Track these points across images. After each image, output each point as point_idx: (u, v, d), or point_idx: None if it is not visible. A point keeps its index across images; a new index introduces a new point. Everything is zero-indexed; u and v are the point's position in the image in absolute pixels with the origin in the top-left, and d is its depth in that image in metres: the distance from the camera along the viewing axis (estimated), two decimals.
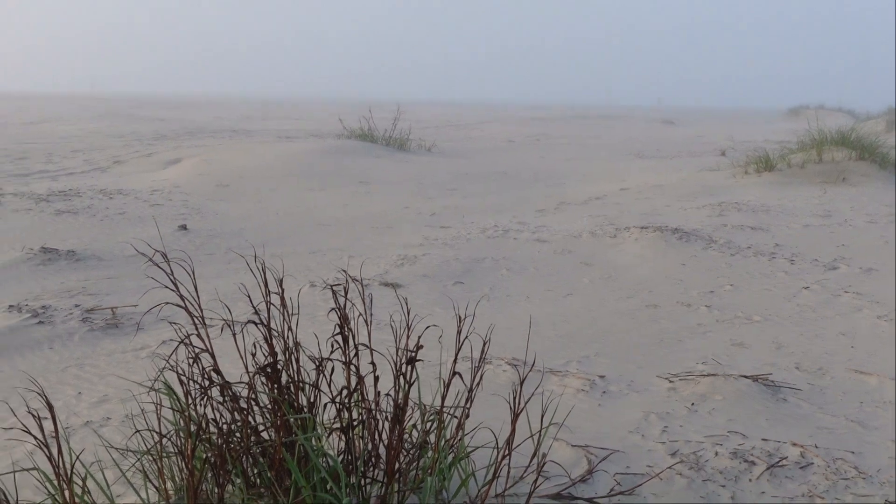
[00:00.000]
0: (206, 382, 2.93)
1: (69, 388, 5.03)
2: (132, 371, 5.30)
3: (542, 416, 2.84)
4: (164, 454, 3.13)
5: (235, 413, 2.92)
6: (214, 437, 3.00)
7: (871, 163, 16.17)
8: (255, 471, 3.07)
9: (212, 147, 22.17)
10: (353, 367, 3.15)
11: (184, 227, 10.90)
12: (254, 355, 3.07)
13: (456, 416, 3.29)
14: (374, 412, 3.13)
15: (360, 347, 3.21)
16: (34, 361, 5.57)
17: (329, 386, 3.09)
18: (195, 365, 2.98)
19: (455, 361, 3.19)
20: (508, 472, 3.02)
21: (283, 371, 3.01)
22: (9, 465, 3.90)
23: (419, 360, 2.97)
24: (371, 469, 3.14)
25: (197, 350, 3.00)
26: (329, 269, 8.25)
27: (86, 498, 2.92)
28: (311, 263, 8.74)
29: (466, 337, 3.16)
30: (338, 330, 3.16)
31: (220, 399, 2.94)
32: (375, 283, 7.47)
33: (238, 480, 3.02)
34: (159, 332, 6.17)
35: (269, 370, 2.95)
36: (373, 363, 3.16)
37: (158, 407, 2.86)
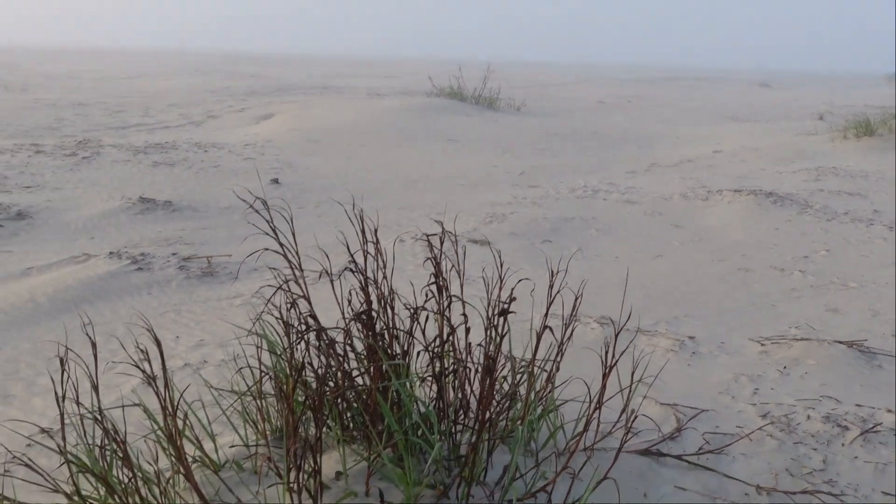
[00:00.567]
0: (303, 327, 3.00)
1: (167, 332, 5.19)
2: (227, 318, 5.44)
3: (633, 373, 2.84)
4: (262, 396, 3.23)
5: (331, 359, 2.99)
6: (311, 382, 3.08)
7: None
8: (349, 415, 3.15)
9: (303, 103, 22.39)
10: (445, 318, 3.19)
11: (276, 181, 11.07)
12: (349, 302, 3.13)
13: (546, 370, 3.31)
14: (465, 362, 3.17)
15: (453, 299, 3.25)
16: (134, 306, 5.75)
17: (423, 334, 3.14)
18: (292, 310, 3.05)
19: (546, 315, 3.21)
20: (598, 426, 3.04)
21: (378, 319, 3.07)
22: (115, 402, 4.07)
23: (511, 311, 2.99)
24: (462, 417, 3.19)
25: (294, 296, 3.07)
26: (417, 225, 8.31)
27: (187, 433, 3.03)
28: (400, 219, 8.81)
29: (558, 292, 3.17)
30: (430, 281, 3.20)
31: (317, 344, 3.01)
32: (464, 239, 7.51)
33: (333, 424, 3.10)
34: (253, 281, 6.31)
35: (364, 317, 3.01)
36: (464, 315, 3.19)
37: (259, 349, 2.94)
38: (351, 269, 3.03)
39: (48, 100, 21.94)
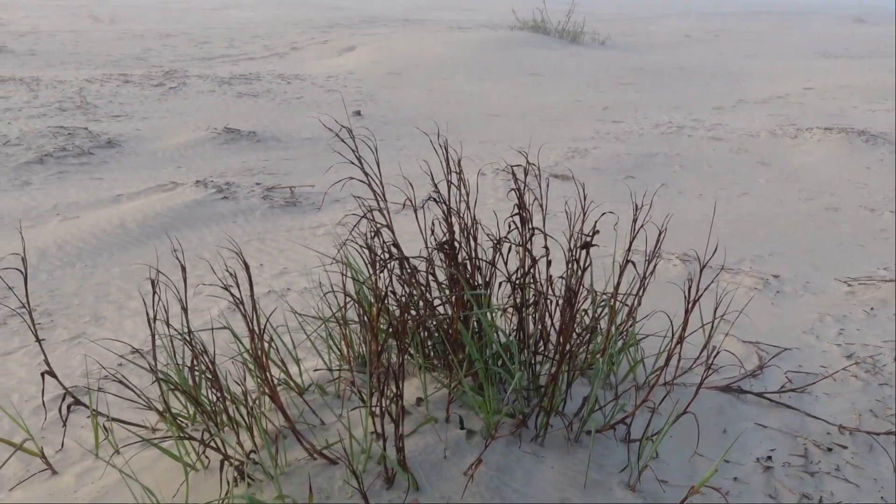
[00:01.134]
0: (386, 256, 3.03)
1: (252, 259, 5.28)
2: (310, 247, 5.51)
3: (715, 310, 2.82)
4: (346, 322, 3.28)
5: (413, 287, 3.02)
6: (393, 310, 3.12)
7: None
8: (430, 344, 3.19)
9: (385, 36, 22.31)
10: (527, 250, 3.19)
11: (358, 114, 11.10)
12: (432, 232, 3.15)
13: (627, 304, 3.30)
14: (546, 294, 3.18)
15: (535, 231, 3.24)
16: (219, 234, 5.86)
17: (505, 265, 3.15)
18: (375, 239, 3.08)
19: (629, 249, 3.19)
20: (679, 361, 3.03)
21: (461, 249, 3.08)
22: (202, 325, 4.18)
23: (594, 244, 2.98)
24: (542, 348, 3.20)
25: (378, 225, 3.10)
26: (499, 159, 8.27)
27: (272, 356, 3.10)
28: (481, 153, 8.78)
29: (642, 226, 3.15)
30: (513, 212, 3.20)
31: (399, 274, 3.04)
32: (546, 174, 7.46)
33: (415, 352, 3.15)
34: (335, 212, 6.38)
35: (447, 247, 3.03)
36: (546, 247, 3.19)
37: (343, 277, 2.98)
38: (434, 199, 3.04)
39: (136, 31, 22.22)
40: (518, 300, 3.09)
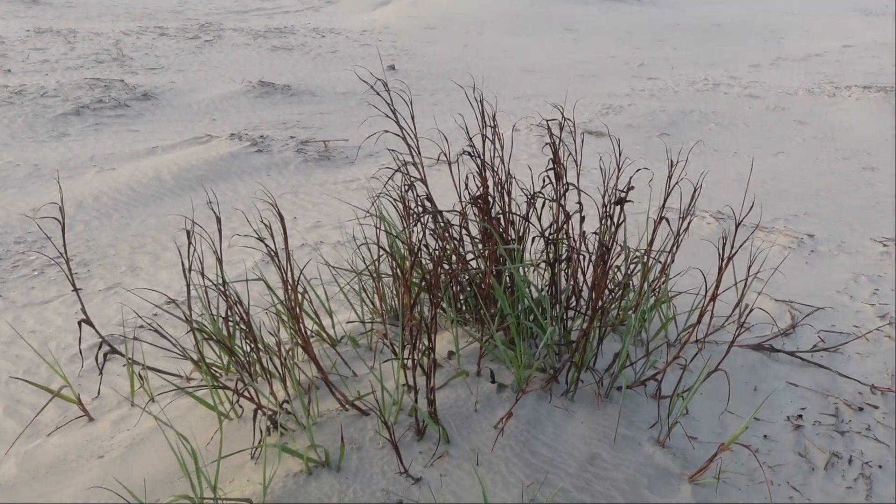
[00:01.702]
0: (420, 210, 3.03)
1: (285, 212, 5.31)
2: (343, 201, 5.53)
3: (748, 269, 2.80)
4: (379, 275, 3.30)
5: (446, 241, 3.03)
6: (426, 263, 3.13)
7: None
8: (463, 298, 3.20)
9: None
10: (560, 206, 3.18)
11: (392, 68, 11.07)
12: (466, 186, 3.15)
13: (660, 261, 3.29)
14: (579, 250, 3.17)
15: (569, 187, 3.23)
16: (253, 187, 5.89)
17: (539, 220, 3.15)
18: (409, 193, 3.08)
19: (663, 206, 3.17)
20: (711, 318, 3.02)
21: (494, 203, 3.08)
22: (237, 277, 4.22)
23: (629, 200, 2.97)
24: (574, 304, 3.21)
25: (412, 178, 3.10)
26: (533, 115, 8.23)
27: (306, 307, 3.12)
28: (515, 108, 8.74)
29: (676, 183, 3.13)
30: (547, 167, 3.18)
31: (433, 227, 3.04)
32: (580, 130, 7.42)
33: (447, 306, 3.16)
34: (368, 167, 6.38)
35: (480, 201, 3.02)
36: (579, 203, 3.18)
37: (378, 230, 2.99)
38: (469, 153, 3.03)
39: None
40: (551, 255, 3.09)
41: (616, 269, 3.36)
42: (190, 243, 2.67)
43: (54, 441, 2.88)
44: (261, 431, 2.58)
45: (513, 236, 3.12)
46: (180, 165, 6.13)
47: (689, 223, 3.18)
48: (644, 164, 6.24)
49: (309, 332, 3.15)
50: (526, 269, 3.15)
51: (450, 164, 3.00)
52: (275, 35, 13.11)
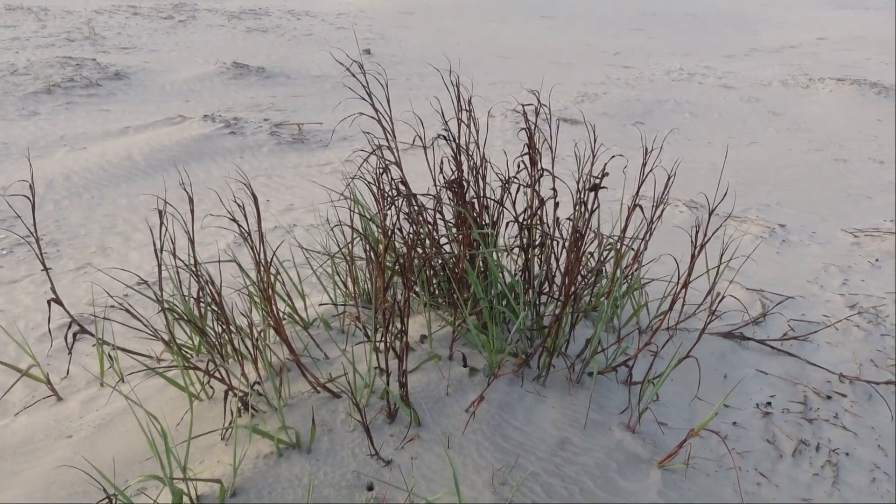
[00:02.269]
0: (394, 193, 3.02)
1: (259, 195, 5.28)
2: (316, 184, 5.51)
3: (721, 256, 2.81)
4: (352, 259, 3.29)
5: (420, 225, 3.02)
6: (400, 247, 3.12)
7: None
8: (436, 282, 3.19)
9: None
10: (535, 191, 3.17)
11: (367, 52, 11.02)
12: (441, 170, 3.14)
13: (633, 248, 3.30)
14: (552, 236, 3.17)
15: (544, 173, 3.23)
16: (226, 169, 5.85)
17: (513, 206, 3.15)
18: (384, 176, 3.07)
19: (637, 193, 3.18)
20: (683, 305, 3.03)
21: (469, 188, 3.07)
22: (208, 258, 4.19)
23: (603, 187, 2.97)
24: (547, 289, 3.21)
25: (386, 162, 3.09)
26: (508, 100, 8.22)
27: (278, 288, 3.10)
28: (490, 94, 8.73)
29: (650, 171, 3.13)
30: (523, 152, 3.18)
31: (407, 211, 3.03)
32: (555, 117, 7.42)
33: (420, 291, 3.15)
34: (342, 150, 6.35)
35: (455, 185, 3.02)
36: (553, 189, 3.18)
37: (351, 212, 2.98)
38: (444, 137, 3.02)
39: None
40: (525, 241, 3.09)
41: (589, 256, 3.37)
42: (162, 223, 2.64)
43: (22, 421, 2.85)
44: (231, 413, 2.57)
45: (487, 221, 3.12)
46: (152, 146, 6.08)
47: (662, 211, 3.19)
48: (618, 152, 6.26)
49: (281, 315, 3.13)
50: (499, 254, 3.15)
51: (425, 148, 2.99)
52: (249, 17, 13.02)
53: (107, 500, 2.24)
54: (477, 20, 14.95)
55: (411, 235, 2.94)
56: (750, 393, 3.06)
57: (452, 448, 2.44)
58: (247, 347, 2.76)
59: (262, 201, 5.15)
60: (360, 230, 3.22)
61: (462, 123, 3.14)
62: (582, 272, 3.23)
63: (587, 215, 3.03)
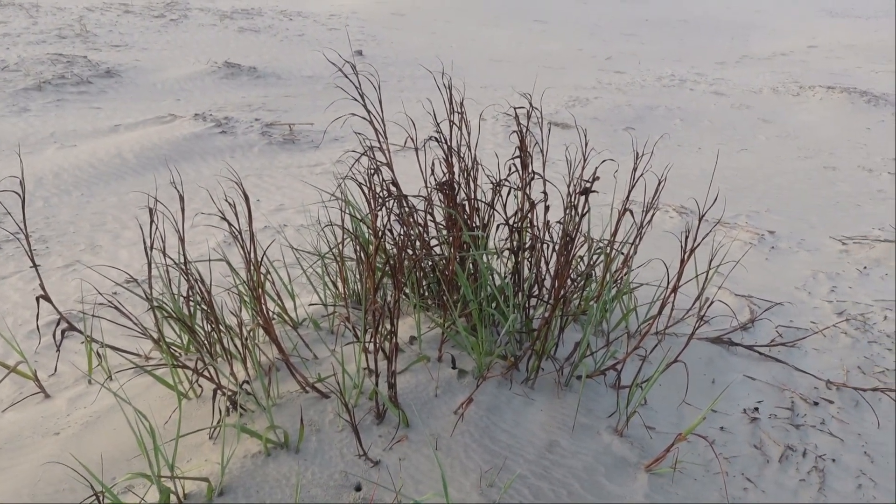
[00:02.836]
0: (385, 194, 3.02)
1: (249, 195, 5.27)
2: (307, 185, 5.50)
3: (710, 262, 2.82)
4: (343, 259, 3.29)
5: (411, 227, 3.02)
6: (390, 248, 3.12)
7: None
8: (426, 283, 3.20)
9: None
10: (526, 194, 3.18)
11: (359, 53, 11.01)
12: (432, 172, 3.15)
13: (623, 252, 3.31)
14: (543, 239, 3.18)
15: (535, 175, 3.23)
16: (216, 168, 5.84)
17: (504, 209, 3.15)
18: (375, 177, 3.07)
19: (627, 198, 3.19)
20: (672, 310, 3.04)
21: (460, 189, 3.08)
22: (198, 257, 4.18)
23: (594, 191, 2.98)
24: (536, 292, 3.22)
25: (378, 163, 3.09)
26: (499, 105, 8.23)
27: (268, 288, 3.10)
28: (482, 97, 8.74)
29: (641, 175, 3.14)
30: (514, 155, 3.19)
31: (397, 212, 3.03)
32: (546, 121, 7.43)
33: (410, 292, 3.16)
34: (333, 151, 6.35)
35: (446, 187, 3.02)
36: (544, 192, 3.19)
37: (342, 213, 2.98)
38: (435, 139, 3.03)
39: None
40: (515, 243, 3.10)
41: (579, 259, 3.38)
42: (152, 221, 2.64)
43: (9, 417, 2.84)
44: (220, 411, 2.57)
45: (477, 223, 3.12)
46: (143, 144, 6.07)
47: (652, 216, 3.20)
48: (609, 157, 6.27)
49: (271, 314, 3.13)
50: (490, 257, 3.15)
51: (416, 149, 2.99)
52: (242, 16, 13.01)
53: (94, 498, 2.24)
54: (470, 23, 14.97)
55: (402, 237, 2.94)
56: (737, 398, 3.07)
57: (441, 449, 2.44)
58: (236, 346, 2.75)
59: (252, 201, 5.14)
60: (351, 231, 3.22)
61: (454, 125, 3.14)
62: (571, 276, 3.24)
63: (577, 219, 3.04)
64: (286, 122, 7.12)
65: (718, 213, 5.24)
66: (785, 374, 3.25)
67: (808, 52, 14.16)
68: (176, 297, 2.89)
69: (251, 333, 2.79)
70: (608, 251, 3.17)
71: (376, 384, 2.47)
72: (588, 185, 3.03)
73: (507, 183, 3.06)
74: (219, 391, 2.57)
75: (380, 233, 2.78)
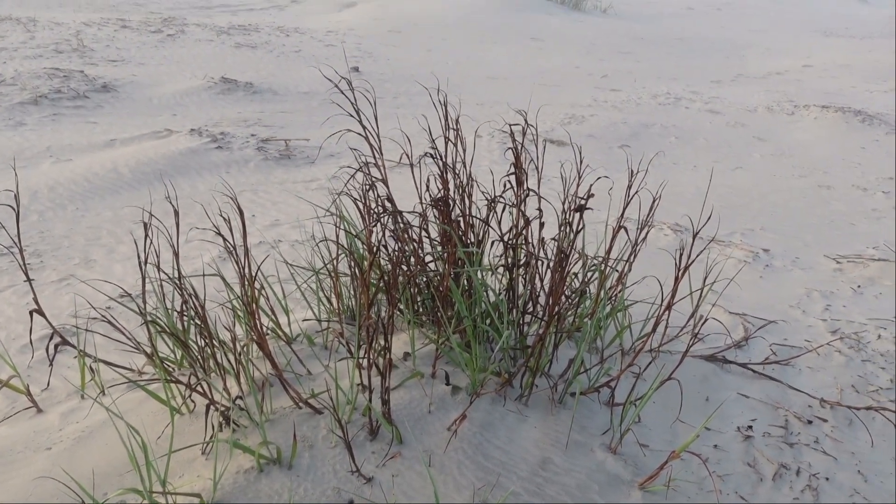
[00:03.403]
0: (380, 210, 3.03)
1: (244, 210, 5.27)
2: (302, 201, 5.51)
3: (704, 280, 2.82)
4: (337, 274, 3.29)
5: (406, 243, 3.02)
6: (385, 264, 3.12)
7: None
8: (420, 299, 3.20)
9: None
10: (520, 211, 3.19)
11: (356, 70, 11.04)
12: (427, 188, 3.15)
13: (617, 270, 3.31)
14: (537, 256, 3.18)
15: (530, 192, 3.24)
16: (212, 183, 5.84)
17: (499, 225, 3.15)
18: (370, 192, 3.07)
19: (622, 215, 3.19)
20: (666, 328, 3.05)
21: (455, 206, 3.08)
22: (192, 272, 4.18)
23: (588, 208, 2.98)
24: (531, 309, 3.22)
25: (373, 179, 3.09)
26: (495, 122, 8.25)
27: (262, 303, 3.10)
28: (478, 114, 8.75)
29: (636, 193, 3.15)
30: (509, 171, 3.19)
31: (392, 228, 3.04)
32: (541, 138, 7.45)
33: (404, 308, 3.15)
34: (329, 167, 6.36)
35: (441, 203, 3.02)
36: (539, 209, 3.19)
37: (337, 228, 2.98)
38: (431, 155, 3.03)
39: None
40: (509, 260, 3.10)
41: (573, 276, 3.38)
42: (146, 236, 2.64)
43: (1, 432, 2.83)
44: (213, 427, 2.56)
45: (472, 240, 3.13)
46: (138, 159, 6.07)
47: (647, 233, 3.20)
48: (604, 174, 6.28)
49: (265, 329, 3.13)
50: (484, 273, 3.15)
51: (412, 165, 3.00)
52: (238, 32, 13.04)
53: None
54: (466, 41, 15.02)
55: (396, 253, 2.94)
56: (731, 416, 3.07)
57: (434, 466, 2.43)
58: (229, 362, 2.75)
59: (247, 216, 5.14)
60: (346, 246, 3.22)
61: (449, 142, 3.15)
62: (566, 292, 3.24)
63: (572, 236, 3.04)
64: (282, 138, 7.13)
65: (713, 231, 5.24)
66: (779, 393, 3.25)
67: (802, 71, 14.22)
68: (170, 311, 2.88)
69: (245, 349, 2.78)
70: (603, 268, 3.18)
71: (370, 400, 2.47)
72: (583, 202, 3.03)
73: (502, 199, 3.07)
74: (212, 406, 2.56)
75: (374, 248, 2.78)
